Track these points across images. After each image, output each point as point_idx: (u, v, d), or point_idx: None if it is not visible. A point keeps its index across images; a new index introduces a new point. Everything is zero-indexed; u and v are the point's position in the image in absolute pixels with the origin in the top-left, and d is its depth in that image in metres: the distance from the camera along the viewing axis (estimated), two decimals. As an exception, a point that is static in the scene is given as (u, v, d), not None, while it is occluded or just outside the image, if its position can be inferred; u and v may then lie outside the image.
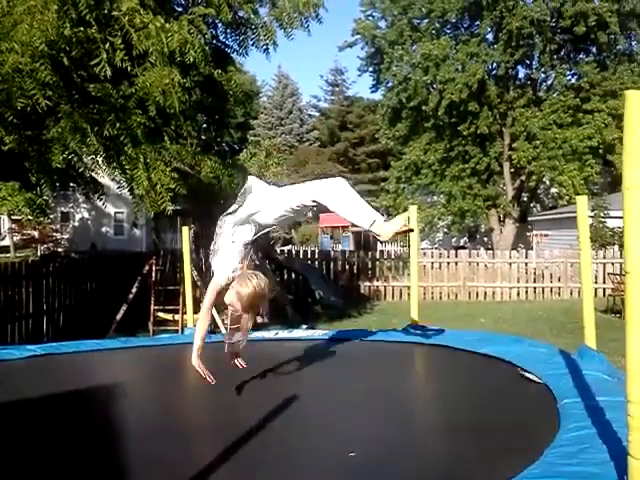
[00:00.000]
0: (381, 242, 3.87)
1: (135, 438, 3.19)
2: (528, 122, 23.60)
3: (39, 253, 25.43)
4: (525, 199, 28.32)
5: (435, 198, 27.64)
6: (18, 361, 4.94)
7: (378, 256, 17.99)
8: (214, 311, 7.56)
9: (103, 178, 9.29)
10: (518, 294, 16.61)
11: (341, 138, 49.06)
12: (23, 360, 4.97)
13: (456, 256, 17.09)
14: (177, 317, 10.20)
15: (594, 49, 25.01)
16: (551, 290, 16.65)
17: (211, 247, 3.61)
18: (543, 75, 25.78)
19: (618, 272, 14.79)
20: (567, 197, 22.70)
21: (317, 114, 54.94)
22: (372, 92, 29.66)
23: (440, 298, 16.54)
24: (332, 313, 12.94)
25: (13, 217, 23.32)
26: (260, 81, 50.80)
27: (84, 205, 27.75)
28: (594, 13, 22.35)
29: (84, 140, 7.14)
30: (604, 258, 16.41)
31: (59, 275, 10.32)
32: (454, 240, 31.13)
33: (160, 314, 10.55)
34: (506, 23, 23.07)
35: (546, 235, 24.37)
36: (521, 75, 26.78)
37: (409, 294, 7.14)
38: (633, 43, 24.96)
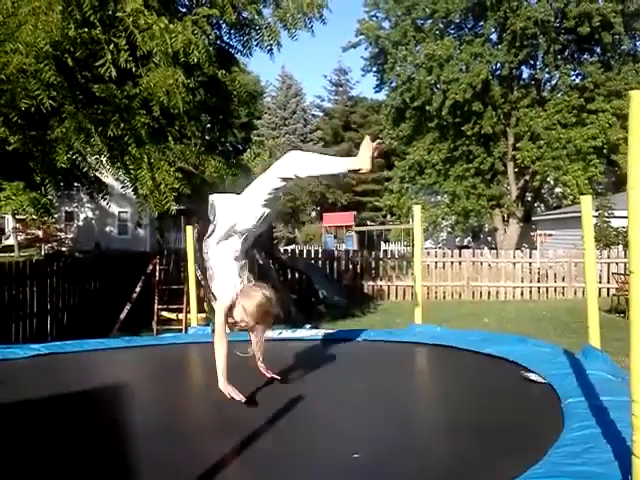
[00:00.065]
0: (365, 173, 3.75)
1: (139, 437, 3.19)
2: (532, 122, 23.56)
3: (43, 252, 25.49)
4: (529, 199, 28.27)
5: (439, 198, 27.61)
6: (22, 360, 4.96)
7: (382, 255, 18.00)
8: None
9: (107, 178, 9.31)
10: (522, 294, 16.59)
11: (345, 138, 49.03)
12: (27, 359, 4.99)
13: (460, 256, 17.08)
14: (181, 316, 10.21)
15: (598, 49, 24.95)
16: (555, 290, 16.63)
17: (207, 274, 3.53)
18: (547, 75, 25.75)
19: (622, 272, 14.77)
20: (571, 197, 22.65)
21: (321, 114, 54.92)
22: (376, 92, 29.79)
23: (444, 298, 16.53)
24: (336, 313, 12.94)
25: (17, 216, 23.38)
26: (264, 81, 50.86)
27: (88, 205, 27.82)
28: (598, 13, 22.29)
29: (88, 140, 7.16)
30: (608, 258, 16.39)
31: (63, 274, 10.34)
32: (458, 240, 31.10)
33: (164, 313, 10.57)
34: (510, 23, 23.03)
35: (550, 235, 24.34)
36: (525, 75, 26.78)
37: (413, 294, 7.14)
38: (638, 43, 24.95)
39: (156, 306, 10.37)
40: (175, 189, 7.50)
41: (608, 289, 15.26)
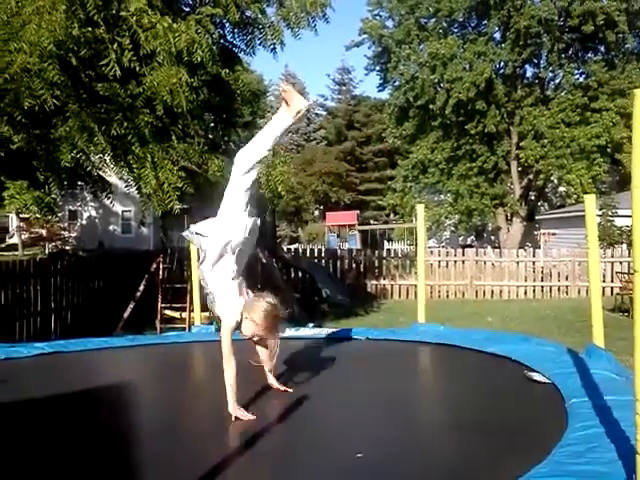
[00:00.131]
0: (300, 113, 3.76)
1: (143, 437, 3.20)
2: (536, 121, 23.53)
3: (47, 251, 25.53)
4: (533, 198, 28.24)
5: (442, 197, 27.60)
6: (27, 359, 4.97)
7: (385, 254, 17.99)
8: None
9: (110, 177, 9.31)
10: (525, 293, 16.57)
11: (348, 137, 48.99)
12: (31, 358, 5.00)
13: (463, 255, 17.06)
14: (184, 315, 10.22)
15: (602, 48, 24.90)
16: (559, 289, 16.60)
17: (208, 298, 3.50)
18: (551, 74, 25.71)
19: (626, 271, 14.73)
20: (575, 196, 22.62)
21: (324, 113, 54.87)
22: (379, 91, 29.79)
23: (447, 297, 16.51)
24: (339, 312, 12.93)
25: (21, 215, 23.43)
26: (267, 80, 50.81)
27: (92, 203, 27.85)
28: (602, 12, 22.25)
29: (92, 139, 7.16)
30: (612, 257, 16.35)
31: (67, 273, 10.36)
32: (461, 239, 31.09)
33: (167, 312, 10.58)
34: (514, 22, 23.00)
35: (554, 234, 24.29)
36: (529, 74, 26.75)
37: (416, 293, 7.13)
38: (642, 42, 24.88)
39: (159, 305, 10.38)
40: (178, 188, 7.50)
41: (612, 288, 15.22)
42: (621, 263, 16.03)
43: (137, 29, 6.94)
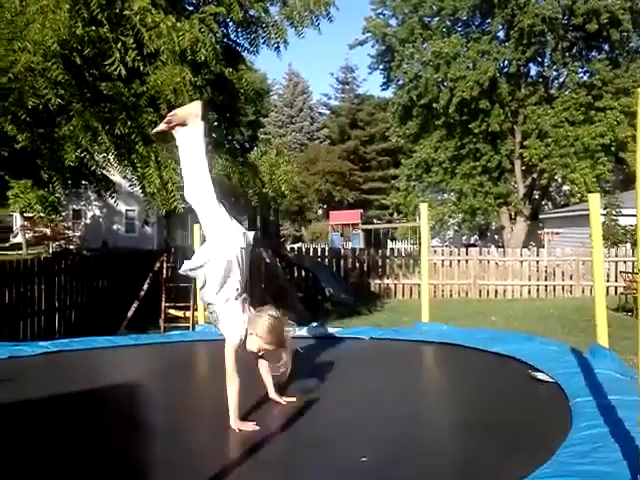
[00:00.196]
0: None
1: (146, 435, 3.20)
2: (540, 120, 23.48)
3: (51, 250, 25.57)
4: (536, 197, 28.17)
5: (446, 196, 27.55)
6: (31, 357, 4.98)
7: (388, 254, 17.98)
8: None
9: (114, 176, 9.33)
10: (529, 292, 16.54)
11: (351, 136, 48.97)
12: (35, 357, 5.01)
13: (467, 254, 17.04)
14: (188, 314, 10.22)
15: (606, 46, 24.81)
16: (563, 288, 16.57)
17: (212, 316, 3.48)
18: (555, 73, 25.64)
19: (630, 270, 14.70)
20: (579, 195, 22.55)
21: (327, 112, 54.88)
22: (383, 90, 29.77)
23: (450, 296, 16.50)
24: (342, 311, 12.93)
25: (25, 214, 23.46)
26: (271, 79, 50.85)
27: (96, 203, 27.87)
28: (606, 10, 22.18)
29: (95, 138, 7.17)
30: (616, 256, 16.31)
31: (71, 272, 10.38)
32: (465, 238, 31.04)
33: (171, 311, 10.59)
34: (517, 21, 22.93)
35: (558, 233, 24.26)
36: (533, 73, 26.66)
37: (419, 292, 7.13)
38: (646, 40, 24.78)
39: (163, 304, 10.39)
40: (182, 187, 7.50)
41: (616, 287, 15.17)
42: (625, 262, 16.00)
43: (141, 28, 6.94)
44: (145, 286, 10.38)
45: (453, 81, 23.52)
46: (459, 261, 16.88)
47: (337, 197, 45.40)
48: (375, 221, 41.57)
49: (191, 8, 8.83)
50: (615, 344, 4.38)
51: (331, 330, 6.36)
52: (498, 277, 16.65)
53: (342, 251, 18.65)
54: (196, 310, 8.43)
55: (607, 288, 14.71)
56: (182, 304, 10.37)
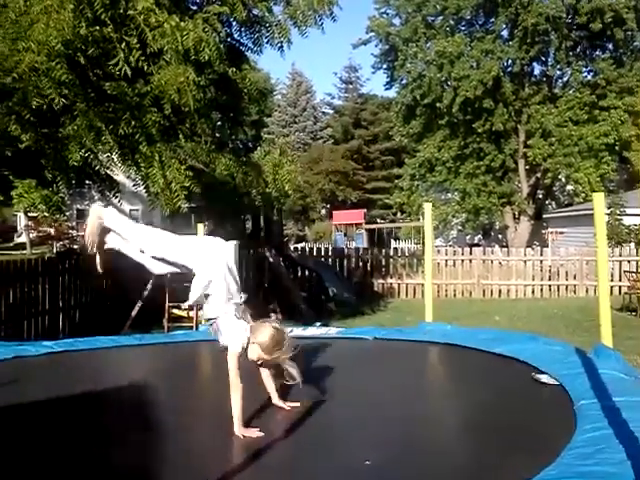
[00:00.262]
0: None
1: (150, 436, 3.21)
2: (543, 119, 23.44)
3: (55, 250, 25.59)
4: (540, 196, 28.12)
5: (449, 195, 27.53)
6: (35, 357, 4.99)
7: (392, 253, 17.96)
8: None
9: (118, 176, 9.34)
10: (533, 292, 16.51)
11: (355, 135, 48.93)
12: (39, 356, 5.02)
13: (470, 254, 17.02)
14: (192, 314, 10.23)
15: (610, 45, 24.76)
16: (566, 288, 16.53)
17: (212, 327, 3.49)
18: (559, 72, 25.60)
19: (634, 270, 14.66)
20: (583, 194, 22.51)
21: (331, 112, 54.82)
22: (386, 89, 29.72)
23: (454, 296, 16.48)
24: (345, 310, 12.93)
25: (29, 214, 23.51)
26: (274, 79, 50.84)
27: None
28: (611, 9, 22.13)
29: (99, 138, 7.18)
30: (620, 256, 16.27)
31: (75, 272, 10.39)
32: (468, 238, 30.99)
33: (175, 311, 10.60)
34: (521, 20, 22.90)
35: (561, 232, 24.20)
36: (536, 72, 26.62)
37: (423, 292, 7.12)
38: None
39: (167, 304, 10.40)
40: (186, 187, 7.51)
41: (620, 287, 15.14)
42: (629, 262, 15.95)
43: (144, 28, 6.94)
44: (149, 286, 10.39)
45: (457, 80, 23.49)
46: (463, 261, 16.86)
47: (340, 197, 45.37)
48: (379, 221, 41.54)
49: (195, 8, 8.83)
50: (619, 344, 4.37)
51: (334, 330, 6.36)
52: (502, 277, 16.62)
53: (345, 251, 18.64)
54: (200, 310, 8.43)
55: (611, 288, 14.68)
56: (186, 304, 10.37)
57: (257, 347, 3.21)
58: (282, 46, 8.92)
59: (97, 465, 2.77)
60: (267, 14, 8.86)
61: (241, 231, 15.89)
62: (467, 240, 30.21)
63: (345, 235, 34.42)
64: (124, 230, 3.54)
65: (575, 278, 16.52)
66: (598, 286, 4.41)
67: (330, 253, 17.42)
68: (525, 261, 16.78)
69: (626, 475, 2.18)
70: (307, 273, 15.41)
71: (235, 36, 9.32)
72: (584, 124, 23.06)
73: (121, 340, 5.86)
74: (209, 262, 3.36)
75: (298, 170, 11.84)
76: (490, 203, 24.67)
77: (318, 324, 7.50)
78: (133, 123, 7.26)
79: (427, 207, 6.69)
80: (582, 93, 23.52)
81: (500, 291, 16.53)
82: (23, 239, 29.44)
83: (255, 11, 8.88)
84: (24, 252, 25.93)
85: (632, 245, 17.33)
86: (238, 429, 3.08)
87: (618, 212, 19.27)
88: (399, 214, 37.90)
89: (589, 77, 24.96)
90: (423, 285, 7.25)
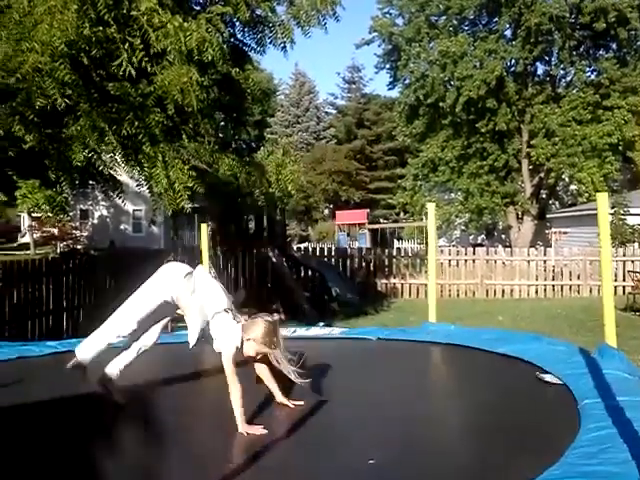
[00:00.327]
0: None
1: (153, 435, 3.21)
2: (547, 119, 23.41)
3: (59, 250, 25.67)
4: (544, 196, 28.09)
5: (452, 195, 27.51)
6: (39, 357, 5.00)
7: (395, 253, 17.96)
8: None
9: (121, 176, 9.35)
10: (536, 292, 16.49)
11: (358, 135, 48.95)
12: (43, 357, 5.03)
13: (474, 253, 17.00)
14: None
15: (614, 45, 24.71)
16: (570, 288, 16.51)
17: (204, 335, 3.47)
18: (562, 71, 25.57)
19: (638, 270, 14.64)
20: (586, 194, 22.47)
21: (334, 112, 54.88)
22: (389, 89, 29.62)
23: (457, 296, 16.47)
24: (349, 310, 12.93)
25: (33, 214, 23.58)
26: (277, 79, 50.90)
27: (103, 203, 27.99)
28: (614, 9, 22.09)
29: (102, 139, 7.19)
30: (624, 256, 16.25)
31: (78, 272, 10.41)
32: (472, 238, 30.96)
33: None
34: (525, 19, 22.87)
35: (565, 232, 24.17)
36: (540, 71, 26.61)
37: (426, 292, 7.11)
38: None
39: (170, 303, 10.40)
40: (189, 187, 7.52)
41: (624, 287, 15.11)
42: (633, 262, 15.93)
43: (148, 28, 6.95)
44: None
45: (460, 80, 23.48)
46: (466, 261, 16.85)
47: (343, 197, 45.40)
48: (382, 221, 41.54)
49: (198, 8, 8.84)
50: (623, 344, 4.37)
51: (337, 330, 6.36)
52: (505, 277, 16.61)
53: (348, 251, 18.64)
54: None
55: (615, 288, 14.66)
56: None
57: (253, 343, 3.24)
58: (285, 46, 8.92)
59: (100, 465, 2.78)
60: (270, 14, 8.86)
61: (244, 231, 15.90)
62: (470, 240, 30.18)
63: (348, 235, 34.44)
64: (98, 346, 3.46)
65: (579, 278, 16.50)
66: (602, 286, 4.40)
67: (333, 253, 17.42)
68: (529, 261, 16.76)
69: (630, 475, 2.18)
70: (310, 273, 15.41)
71: (238, 36, 9.33)
72: (587, 124, 23.02)
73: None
74: (171, 295, 3.33)
75: (301, 170, 11.86)
76: (493, 203, 24.65)
77: (321, 324, 7.50)
78: (136, 123, 7.27)
79: (430, 207, 6.68)
80: (585, 93, 23.48)
81: (503, 291, 16.52)
82: (27, 239, 29.53)
83: (258, 11, 8.88)
84: (28, 252, 26.01)
85: (636, 245, 17.30)
86: (242, 426, 3.09)
87: (622, 212, 19.26)
88: (402, 214, 37.89)
89: (592, 77, 24.95)
90: (426, 285, 7.25)
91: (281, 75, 76.05)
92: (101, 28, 6.77)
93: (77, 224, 28.27)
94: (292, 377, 3.33)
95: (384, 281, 16.85)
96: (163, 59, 7.31)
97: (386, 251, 18.12)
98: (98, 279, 10.98)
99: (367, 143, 48.55)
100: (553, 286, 16.58)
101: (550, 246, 20.82)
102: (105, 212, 29.99)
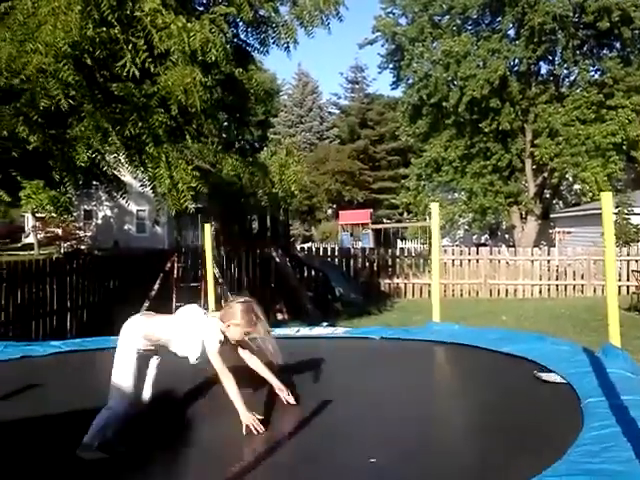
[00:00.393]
0: None
1: (155, 435, 3.22)
2: (550, 118, 23.38)
3: (62, 251, 25.71)
4: (547, 196, 28.07)
5: (456, 195, 27.49)
6: (43, 357, 5.01)
7: (398, 253, 17.96)
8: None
9: (125, 176, 9.38)
10: (540, 292, 16.47)
11: (361, 135, 48.96)
12: (47, 356, 5.04)
13: (477, 253, 16.99)
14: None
15: (618, 44, 24.68)
16: (574, 287, 16.48)
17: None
18: (566, 71, 25.52)
19: (642, 270, 14.60)
20: (590, 194, 22.44)
21: (337, 112, 54.89)
22: (392, 89, 29.71)
23: (461, 295, 16.46)
24: (352, 310, 12.93)
25: (37, 215, 23.64)
26: (280, 79, 50.90)
27: (107, 203, 28.04)
28: (618, 8, 22.05)
29: (106, 139, 7.21)
30: (628, 255, 16.22)
31: (82, 272, 10.44)
32: (475, 237, 30.94)
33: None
34: (528, 19, 22.85)
35: (569, 232, 24.13)
36: (543, 71, 26.59)
37: (430, 291, 7.11)
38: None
39: (174, 303, 10.42)
40: (193, 187, 7.53)
41: (628, 287, 15.09)
42: (637, 261, 15.90)
43: (151, 29, 6.96)
44: (156, 286, 10.42)
45: (463, 80, 23.47)
46: (470, 260, 16.84)
47: (347, 197, 45.39)
48: (385, 221, 41.52)
49: (201, 8, 8.85)
50: (627, 344, 4.36)
51: (341, 330, 6.36)
52: (509, 276, 16.59)
53: (352, 251, 18.64)
54: (207, 310, 8.44)
55: (619, 287, 14.64)
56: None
57: (235, 327, 3.24)
58: (288, 46, 8.93)
59: (102, 464, 2.79)
60: (274, 14, 8.87)
61: (247, 231, 15.92)
62: (474, 240, 30.16)
63: (351, 235, 34.40)
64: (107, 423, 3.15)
65: (583, 278, 16.47)
66: (606, 285, 4.39)
67: (336, 253, 17.43)
68: (532, 261, 16.75)
69: (634, 473, 2.18)
70: (313, 273, 15.43)
71: (242, 36, 9.34)
72: (591, 123, 22.99)
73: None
74: (138, 347, 3.28)
75: (304, 170, 11.87)
76: (497, 203, 24.63)
77: (325, 324, 7.50)
78: (140, 124, 7.29)
79: (434, 207, 6.68)
80: (589, 92, 23.45)
81: (507, 291, 16.50)
82: (31, 240, 29.58)
83: (262, 12, 8.88)
84: (32, 253, 26.05)
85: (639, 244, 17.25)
86: (244, 415, 3.09)
87: (626, 211, 19.21)
88: (405, 214, 37.88)
89: (596, 76, 24.90)
90: (430, 285, 7.23)
91: (284, 75, 75.99)
92: (105, 29, 6.79)
93: (81, 224, 28.31)
94: (269, 355, 3.32)
95: (387, 281, 16.86)
96: (167, 60, 7.32)
97: (389, 251, 18.13)
98: (102, 279, 11.01)
99: (370, 143, 48.54)
100: (557, 286, 16.56)
101: (554, 246, 20.81)
102: (109, 212, 30.04)
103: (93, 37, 6.67)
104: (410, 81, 26.46)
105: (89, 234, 28.46)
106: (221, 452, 2.98)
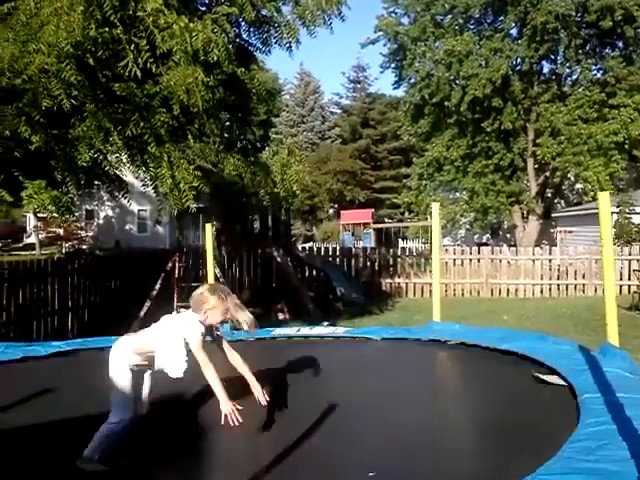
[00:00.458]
0: None
1: (155, 435, 3.24)
2: (553, 117, 23.36)
3: (64, 250, 25.75)
4: (549, 195, 28.04)
5: (458, 194, 27.48)
6: (44, 358, 5.03)
7: (399, 253, 17.96)
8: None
9: (127, 176, 9.40)
10: (541, 291, 16.45)
11: (363, 135, 48.95)
12: (49, 356, 5.06)
13: (478, 253, 16.98)
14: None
15: (620, 43, 24.65)
16: (575, 287, 16.47)
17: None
18: (568, 70, 25.51)
19: (644, 269, 14.59)
20: (592, 193, 22.40)
21: (339, 111, 54.88)
22: (394, 89, 29.76)
23: (462, 295, 16.45)
24: (353, 310, 12.94)
25: (39, 215, 23.66)
26: (282, 79, 50.90)
27: (108, 203, 28.07)
28: (620, 7, 22.02)
29: (108, 139, 7.23)
30: (629, 255, 16.19)
31: (84, 272, 10.45)
32: (476, 237, 30.95)
33: (183, 311, 10.64)
34: (530, 18, 22.83)
35: (570, 231, 24.11)
36: (546, 70, 26.56)
37: (431, 291, 7.12)
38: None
39: (176, 303, 10.44)
40: (194, 187, 7.54)
41: (629, 286, 15.09)
42: (638, 261, 15.88)
43: (154, 29, 6.98)
44: (157, 286, 10.44)
45: (465, 79, 23.46)
46: (471, 260, 16.83)
47: (348, 196, 45.39)
48: (386, 220, 41.53)
49: (203, 8, 8.87)
50: (626, 343, 4.37)
51: (342, 329, 6.38)
52: (510, 276, 16.58)
53: (353, 250, 18.64)
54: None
55: (620, 287, 14.64)
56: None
57: (211, 310, 3.23)
58: (290, 46, 8.94)
59: (102, 477, 2.81)
60: (276, 14, 8.88)
61: (249, 231, 15.93)
62: (475, 239, 30.17)
63: (353, 235, 34.43)
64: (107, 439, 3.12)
65: (584, 277, 16.46)
66: (604, 285, 4.40)
67: (338, 253, 17.43)
68: (534, 260, 16.73)
69: (629, 473, 2.18)
70: (315, 273, 15.43)
71: (244, 36, 9.35)
72: (593, 122, 22.97)
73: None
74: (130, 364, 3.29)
75: (306, 170, 11.87)
76: (498, 202, 24.62)
77: (326, 324, 7.51)
78: (142, 124, 7.30)
79: (435, 206, 6.69)
80: (591, 91, 23.42)
81: (508, 290, 16.49)
82: (32, 240, 29.62)
83: (264, 11, 8.90)
84: (33, 253, 26.09)
85: (641, 244, 17.24)
86: (224, 403, 3.07)
87: (627, 211, 19.19)
88: (407, 213, 37.90)
89: (598, 75, 24.88)
90: (431, 284, 7.24)
91: (286, 75, 76.15)
92: (107, 29, 6.81)
93: (82, 224, 28.35)
94: (245, 327, 3.32)
95: (389, 280, 16.85)
96: (169, 60, 7.33)
97: (391, 251, 18.11)
98: (103, 279, 11.03)
99: (372, 142, 48.53)
100: (558, 285, 16.54)
101: (555, 245, 20.81)
102: (110, 212, 30.08)
103: (95, 37, 6.69)
104: (412, 80, 26.46)
105: (91, 234, 28.50)
106: (220, 462, 3.00)
